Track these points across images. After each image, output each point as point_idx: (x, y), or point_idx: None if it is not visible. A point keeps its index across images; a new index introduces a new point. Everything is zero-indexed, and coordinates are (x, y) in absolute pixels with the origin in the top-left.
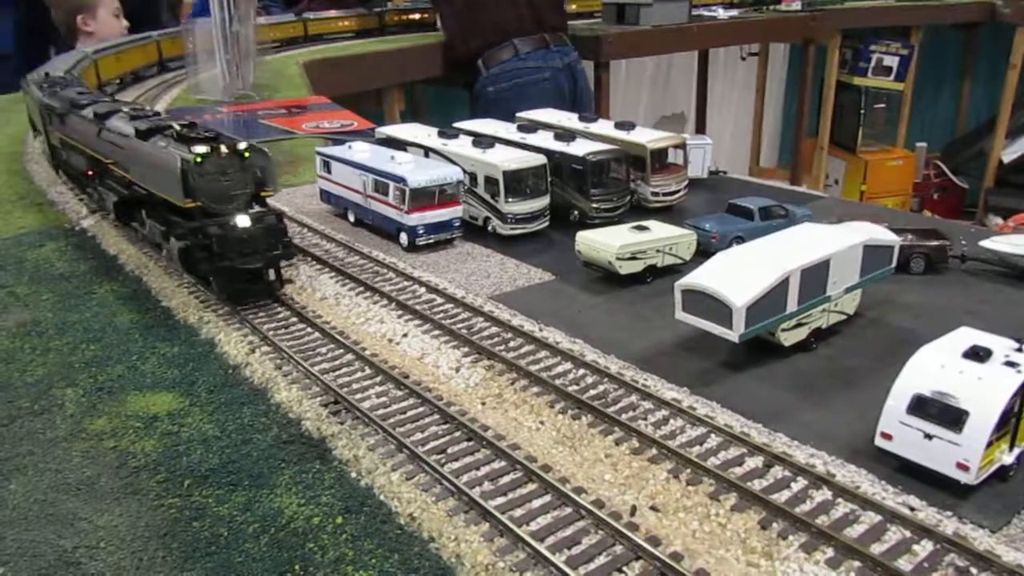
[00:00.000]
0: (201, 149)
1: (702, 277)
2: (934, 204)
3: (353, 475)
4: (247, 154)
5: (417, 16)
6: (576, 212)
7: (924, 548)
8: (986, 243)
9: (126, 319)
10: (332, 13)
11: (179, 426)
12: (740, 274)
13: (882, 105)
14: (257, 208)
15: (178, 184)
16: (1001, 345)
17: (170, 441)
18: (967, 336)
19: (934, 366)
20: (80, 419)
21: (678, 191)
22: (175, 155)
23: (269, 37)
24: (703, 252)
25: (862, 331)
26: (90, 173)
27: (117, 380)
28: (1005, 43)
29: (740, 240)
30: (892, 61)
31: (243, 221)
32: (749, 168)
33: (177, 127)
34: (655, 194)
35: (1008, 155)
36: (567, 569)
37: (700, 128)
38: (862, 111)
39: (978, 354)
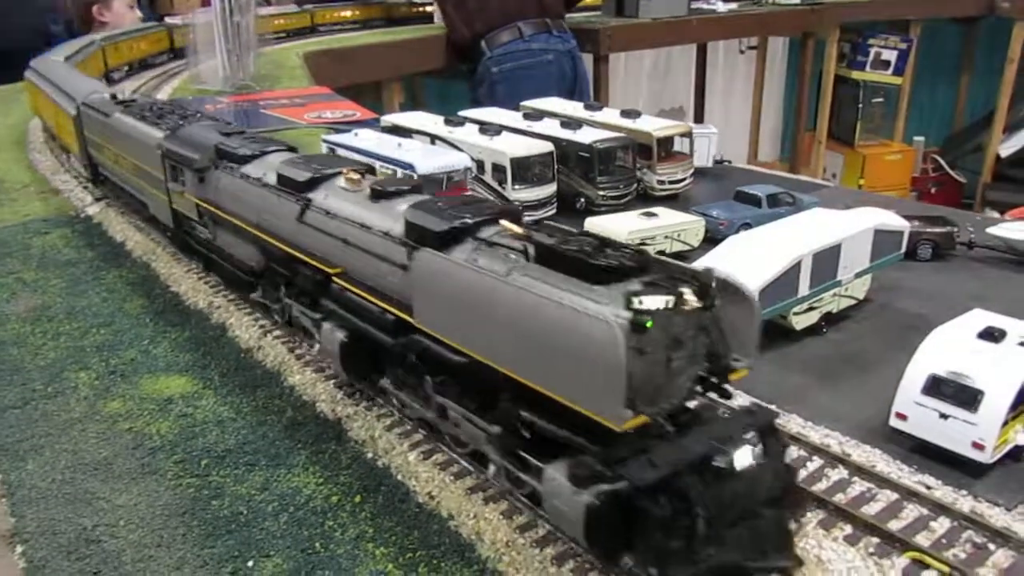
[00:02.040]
0: (657, 301)
1: (717, 260)
2: (931, 198)
3: (369, 455)
4: (716, 302)
5: (349, 13)
6: (583, 199)
7: (941, 525)
8: (993, 230)
9: (136, 304)
10: (265, 12)
11: (194, 408)
12: (753, 258)
13: (880, 99)
14: (723, 404)
15: (612, 378)
16: (1016, 326)
17: (185, 423)
18: (981, 318)
19: (949, 347)
20: (94, 401)
21: (684, 179)
22: (600, 317)
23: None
24: (710, 239)
25: (872, 316)
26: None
27: (130, 364)
28: (1003, 37)
29: (748, 227)
30: (890, 55)
31: (744, 457)
32: (747, 161)
33: (519, 230)
34: (661, 182)
35: (1006, 149)
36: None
37: (699, 122)
38: (860, 105)
39: (993, 335)
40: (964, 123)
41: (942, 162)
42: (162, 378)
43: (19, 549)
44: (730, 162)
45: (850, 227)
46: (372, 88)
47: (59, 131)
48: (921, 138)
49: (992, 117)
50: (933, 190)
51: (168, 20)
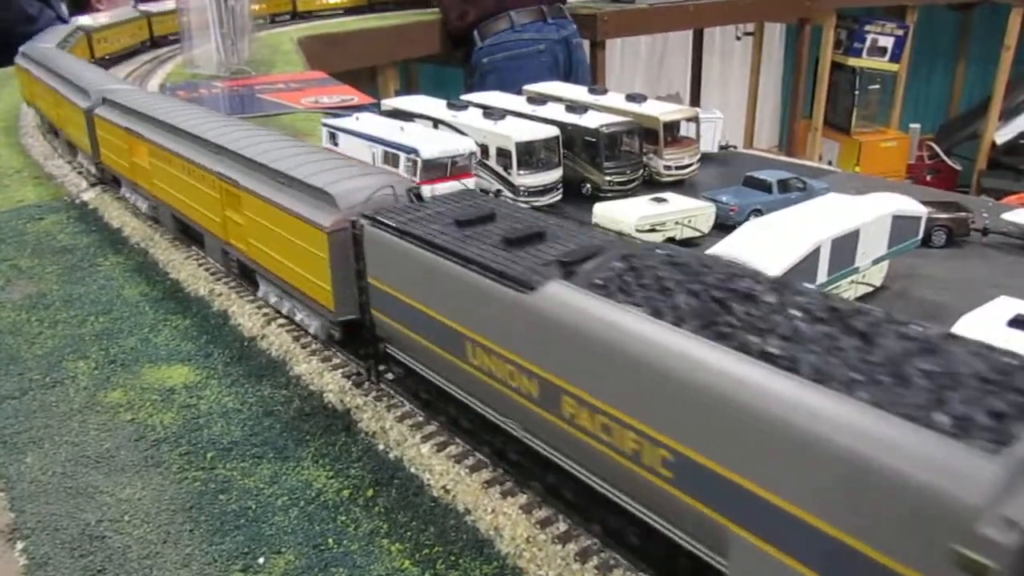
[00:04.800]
0: None
1: (731, 247)
2: (927, 186)
3: (381, 447)
4: None
5: (256, 6)
6: (588, 185)
7: None
8: (1008, 216)
9: (135, 291)
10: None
11: (197, 398)
12: (771, 244)
13: (877, 86)
14: None
15: None
16: None
17: (189, 414)
18: (1008, 305)
19: (978, 335)
20: (94, 392)
21: (690, 165)
22: None
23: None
24: (720, 225)
25: (889, 303)
26: None
27: (130, 352)
28: (1000, 24)
29: (758, 213)
30: (887, 42)
31: None
32: (743, 148)
33: None
34: (667, 167)
35: (1001, 137)
36: None
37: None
38: (856, 92)
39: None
40: (960, 110)
41: (938, 149)
42: (164, 367)
43: (20, 546)
44: (735, 147)
45: (868, 212)
46: (367, 74)
47: (256, 251)
48: (917, 125)
49: (988, 104)
50: (929, 177)
51: (81, 19)
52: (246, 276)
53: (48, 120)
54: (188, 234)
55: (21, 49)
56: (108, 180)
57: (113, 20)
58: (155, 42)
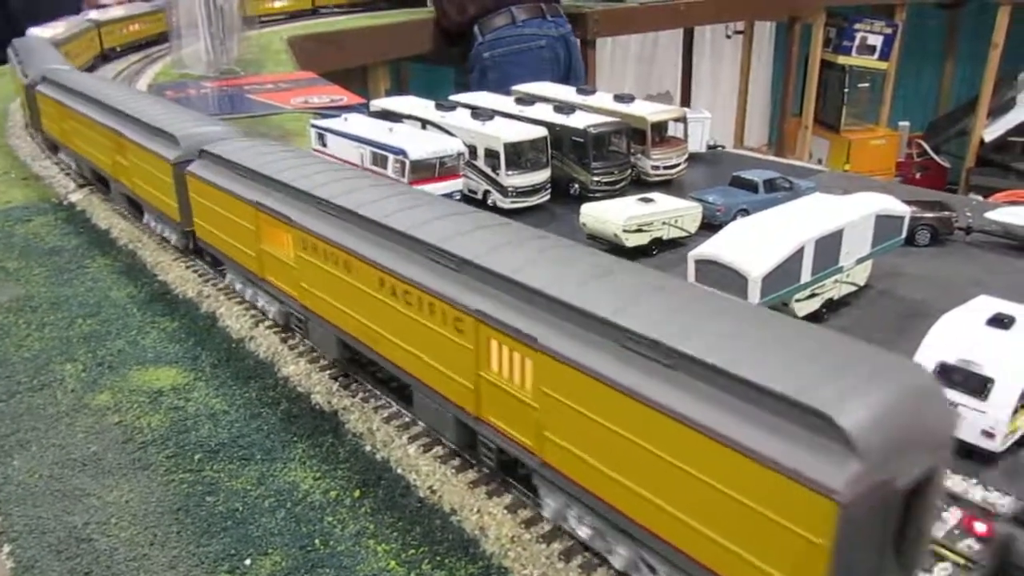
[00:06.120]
0: None
1: (716, 247)
2: (916, 183)
3: (368, 448)
4: None
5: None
6: (577, 185)
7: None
8: (991, 215)
9: (122, 293)
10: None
11: (185, 400)
12: (755, 244)
13: (866, 84)
14: None
15: None
16: None
17: (177, 416)
18: (988, 304)
19: (957, 333)
20: (82, 394)
21: (678, 165)
22: None
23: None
24: (707, 225)
25: (873, 302)
26: None
27: (118, 355)
28: (988, 22)
29: (745, 212)
30: (876, 40)
31: None
32: (733, 147)
33: None
34: (655, 167)
35: (990, 134)
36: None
37: (686, 107)
38: (846, 90)
39: (1002, 321)
40: (948, 108)
41: (927, 147)
42: (151, 369)
43: (6, 549)
44: (723, 147)
45: (852, 212)
46: (358, 73)
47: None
48: (906, 123)
49: (976, 102)
50: (918, 175)
51: (34, 30)
52: (513, 473)
53: (89, 164)
54: (369, 371)
55: (43, 73)
56: (205, 258)
57: (69, 31)
58: (105, 56)
